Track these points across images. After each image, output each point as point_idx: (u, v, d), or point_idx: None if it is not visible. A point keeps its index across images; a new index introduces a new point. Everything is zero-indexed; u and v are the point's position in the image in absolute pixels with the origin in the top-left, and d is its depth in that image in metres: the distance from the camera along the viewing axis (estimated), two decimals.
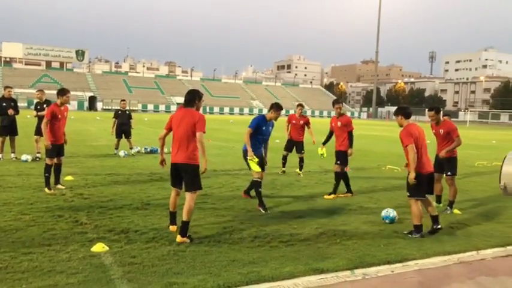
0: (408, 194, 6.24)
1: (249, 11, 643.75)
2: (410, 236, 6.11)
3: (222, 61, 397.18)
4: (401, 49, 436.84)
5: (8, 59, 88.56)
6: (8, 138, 11.76)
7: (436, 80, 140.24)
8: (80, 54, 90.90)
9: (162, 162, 6.10)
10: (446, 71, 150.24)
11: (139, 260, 4.75)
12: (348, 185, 8.87)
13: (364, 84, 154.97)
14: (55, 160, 8.35)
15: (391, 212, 6.78)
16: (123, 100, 15.34)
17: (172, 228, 5.89)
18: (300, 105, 12.22)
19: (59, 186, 8.48)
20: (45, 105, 11.61)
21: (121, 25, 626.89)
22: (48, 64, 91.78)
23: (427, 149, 6.33)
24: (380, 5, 67.76)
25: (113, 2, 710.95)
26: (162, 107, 75.02)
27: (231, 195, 8.39)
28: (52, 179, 8.29)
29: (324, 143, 9.51)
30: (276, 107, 7.70)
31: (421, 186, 6.16)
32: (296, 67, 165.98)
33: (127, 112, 14.48)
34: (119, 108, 14.80)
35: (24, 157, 11.58)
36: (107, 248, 5.03)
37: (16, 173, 9.89)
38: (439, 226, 6.29)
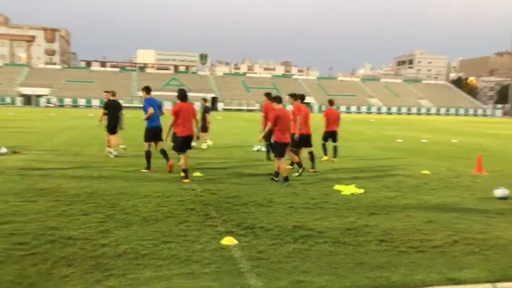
0: (274, 155, 9.51)
1: (367, 6, 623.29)
2: (274, 179, 9.33)
3: (338, 59, 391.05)
4: None
5: (142, 65, 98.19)
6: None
7: None
8: (203, 58, 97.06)
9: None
10: None
11: (266, 256, 4.88)
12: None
13: (499, 78, 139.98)
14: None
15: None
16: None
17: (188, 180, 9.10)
18: None
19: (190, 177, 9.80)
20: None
21: (240, 29, 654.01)
22: (176, 68, 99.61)
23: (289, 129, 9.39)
24: None
25: (231, 8, 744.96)
26: None
27: (354, 196, 8.20)
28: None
29: None
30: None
31: (281, 149, 9.25)
32: (419, 62, 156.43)
33: None
34: None
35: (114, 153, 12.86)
36: (236, 242, 5.26)
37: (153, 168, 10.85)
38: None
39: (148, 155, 10.42)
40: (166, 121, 9.99)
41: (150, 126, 10.42)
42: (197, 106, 15.99)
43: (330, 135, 12.88)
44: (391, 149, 16.96)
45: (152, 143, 10.58)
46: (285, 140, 9.20)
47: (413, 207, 7.35)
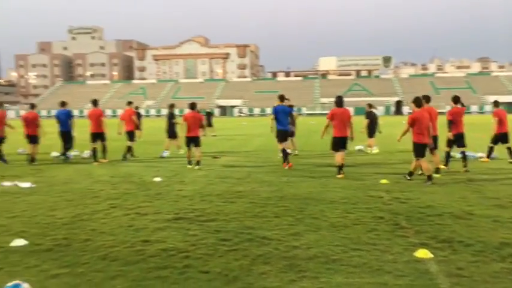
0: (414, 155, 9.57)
1: None
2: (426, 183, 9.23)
3: None
4: None
5: (324, 72, 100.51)
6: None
7: None
8: (387, 60, 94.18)
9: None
10: None
11: (468, 273, 4.41)
12: None
13: None
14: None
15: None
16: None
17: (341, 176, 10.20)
18: None
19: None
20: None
21: (427, 27, 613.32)
22: (358, 73, 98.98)
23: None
24: None
25: (413, 2, 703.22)
26: (473, 108, 68.36)
27: None
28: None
29: None
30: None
31: (419, 150, 9.49)
32: None
33: None
34: None
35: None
36: (431, 255, 4.89)
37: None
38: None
39: (284, 152, 12.14)
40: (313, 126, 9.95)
41: (279, 129, 12.22)
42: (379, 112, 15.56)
43: (501, 137, 12.32)
44: None
45: (285, 142, 12.30)
46: (423, 141, 9.47)
47: None
